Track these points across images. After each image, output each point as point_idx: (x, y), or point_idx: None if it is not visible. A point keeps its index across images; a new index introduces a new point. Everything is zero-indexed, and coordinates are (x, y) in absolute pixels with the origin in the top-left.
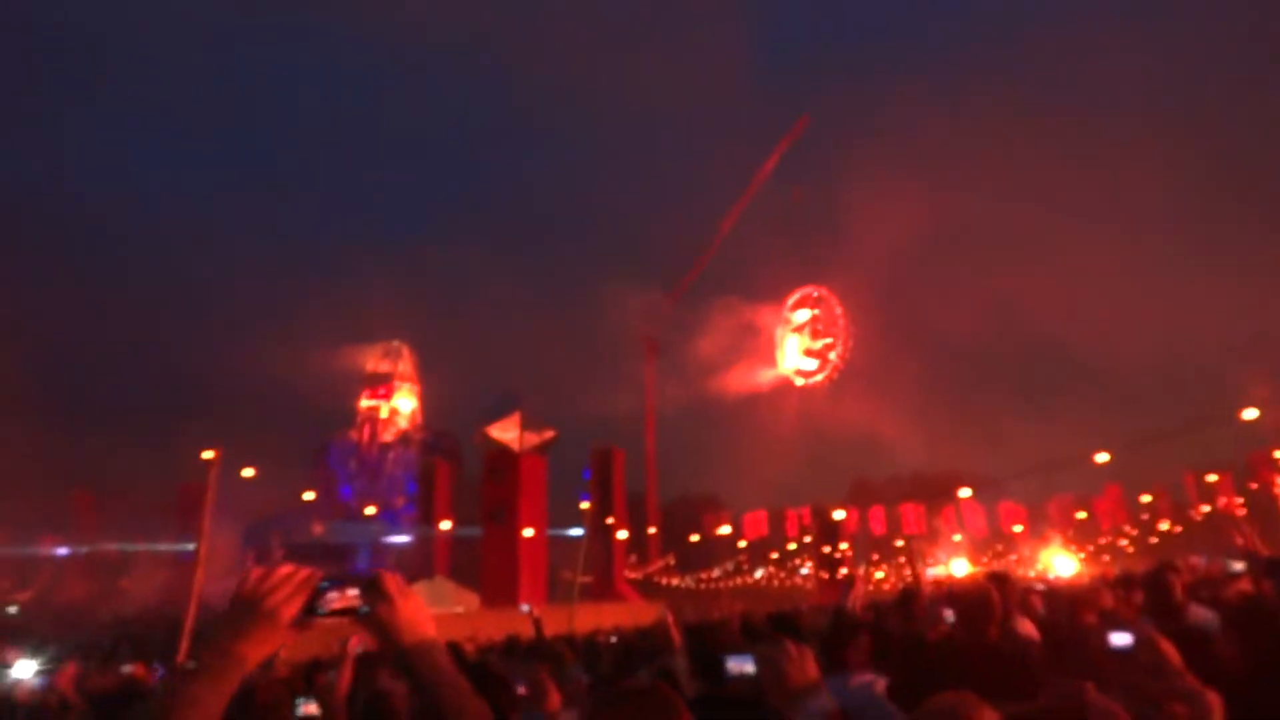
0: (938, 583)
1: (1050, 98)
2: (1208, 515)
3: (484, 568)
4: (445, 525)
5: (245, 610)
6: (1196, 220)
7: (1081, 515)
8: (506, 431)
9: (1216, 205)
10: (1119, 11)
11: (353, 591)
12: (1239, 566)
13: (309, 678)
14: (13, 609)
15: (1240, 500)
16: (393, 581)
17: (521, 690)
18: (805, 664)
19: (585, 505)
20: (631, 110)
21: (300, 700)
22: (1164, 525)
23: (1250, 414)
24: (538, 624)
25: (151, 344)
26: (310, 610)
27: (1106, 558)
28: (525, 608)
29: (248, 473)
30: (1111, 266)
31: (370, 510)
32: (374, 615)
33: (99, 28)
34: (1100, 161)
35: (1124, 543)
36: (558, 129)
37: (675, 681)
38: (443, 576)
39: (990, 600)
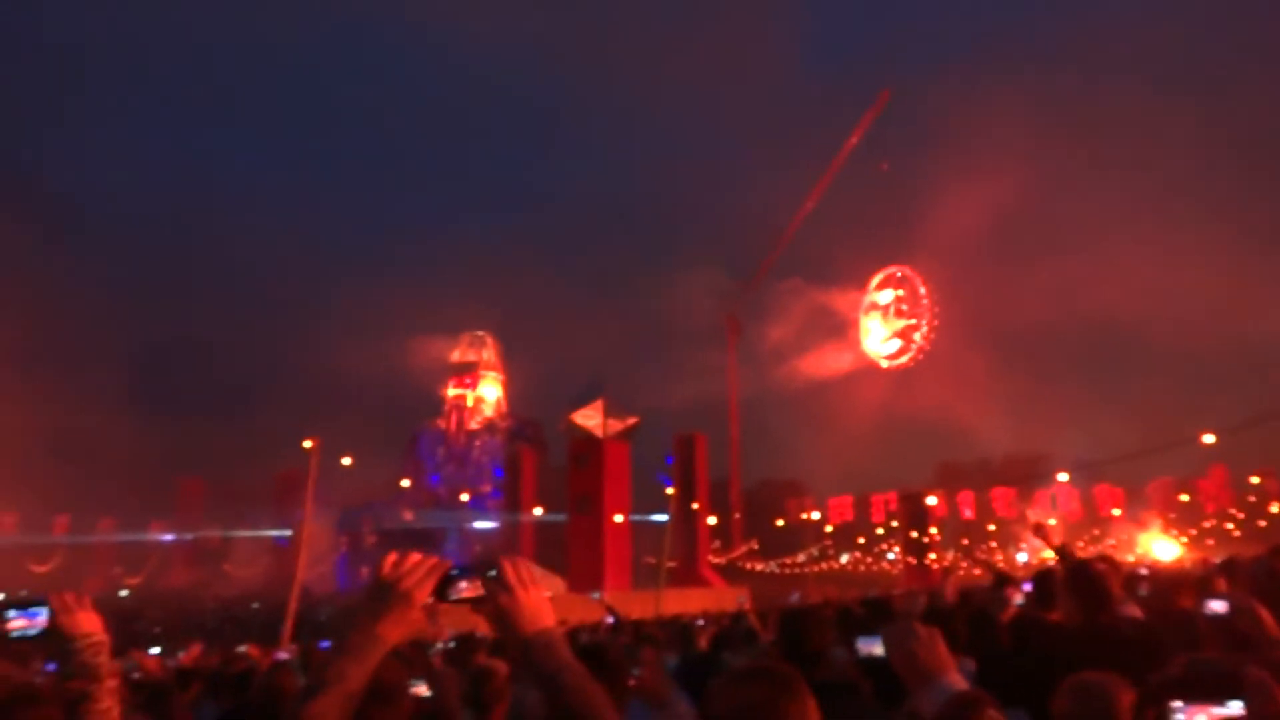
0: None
1: (1132, 74)
2: None
3: (570, 553)
4: (538, 512)
5: (383, 592)
6: None
7: (1184, 498)
8: (590, 418)
9: None
10: None
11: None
12: None
13: (412, 659)
14: (124, 593)
15: None
16: (513, 571)
17: (632, 681)
18: (935, 645)
19: (670, 491)
20: (705, 97)
21: (411, 681)
22: (1274, 508)
23: None
24: (612, 610)
25: (252, 337)
26: (442, 596)
27: (1211, 542)
28: (596, 595)
29: (346, 461)
30: (1193, 246)
31: (465, 498)
32: (495, 605)
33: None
34: (1179, 138)
35: (1229, 526)
36: (635, 118)
37: None
38: (529, 561)
39: (1107, 584)
